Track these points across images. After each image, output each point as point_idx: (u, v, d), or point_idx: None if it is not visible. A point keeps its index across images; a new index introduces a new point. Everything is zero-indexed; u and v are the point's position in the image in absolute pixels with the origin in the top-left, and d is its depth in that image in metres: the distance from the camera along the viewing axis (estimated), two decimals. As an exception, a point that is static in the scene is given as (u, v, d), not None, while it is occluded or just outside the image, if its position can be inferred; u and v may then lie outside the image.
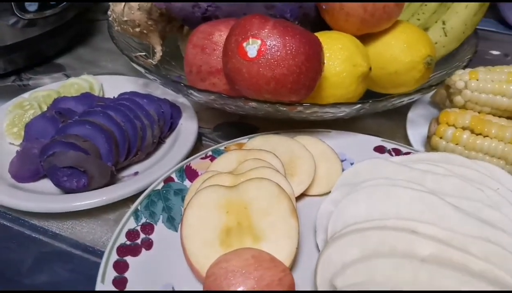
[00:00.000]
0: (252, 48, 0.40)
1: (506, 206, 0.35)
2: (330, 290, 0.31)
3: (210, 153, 0.45)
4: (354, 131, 0.48)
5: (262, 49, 0.40)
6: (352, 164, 0.45)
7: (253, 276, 0.31)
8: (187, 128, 0.50)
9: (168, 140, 0.49)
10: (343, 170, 0.43)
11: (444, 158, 0.40)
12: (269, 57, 0.39)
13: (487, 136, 0.43)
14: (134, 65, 0.50)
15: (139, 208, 0.39)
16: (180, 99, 0.53)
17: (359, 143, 0.47)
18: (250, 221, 0.36)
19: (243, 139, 0.47)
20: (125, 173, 0.46)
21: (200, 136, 0.52)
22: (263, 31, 0.40)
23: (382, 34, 0.49)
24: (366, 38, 0.49)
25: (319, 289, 0.32)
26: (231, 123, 0.55)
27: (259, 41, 0.40)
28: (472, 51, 0.52)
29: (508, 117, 0.45)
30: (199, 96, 0.46)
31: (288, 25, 0.41)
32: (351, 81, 0.45)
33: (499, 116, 0.45)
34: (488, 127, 0.43)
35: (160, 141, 0.49)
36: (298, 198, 0.41)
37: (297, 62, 0.40)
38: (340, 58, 0.45)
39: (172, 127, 0.50)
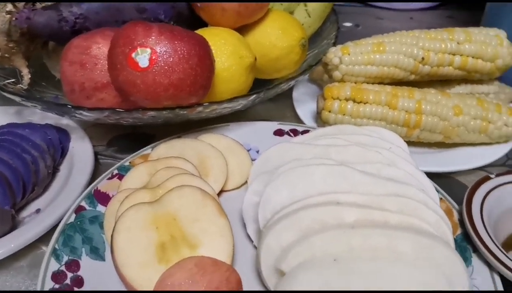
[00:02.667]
0: (142, 58, 0.39)
1: (400, 161, 0.40)
2: (276, 275, 0.33)
3: (116, 171, 0.43)
4: (249, 120, 0.50)
5: (154, 57, 0.39)
6: (257, 151, 0.47)
7: (202, 283, 0.31)
8: (81, 150, 0.47)
9: (63, 168, 0.46)
10: (252, 160, 0.45)
11: (338, 130, 0.44)
12: (162, 64, 0.39)
13: (367, 103, 0.48)
14: (6, 94, 0.45)
15: (57, 246, 0.36)
16: (64, 121, 0.50)
17: (258, 131, 0.49)
18: (182, 231, 0.35)
19: (146, 150, 0.45)
20: (25, 212, 0.42)
21: (95, 156, 0.49)
22: (150, 39, 0.39)
23: (257, 24, 0.51)
24: (243, 29, 0.51)
25: (265, 276, 0.33)
26: (124, 136, 0.53)
27: (148, 50, 0.39)
28: (335, 28, 0.57)
29: (379, 83, 0.51)
30: (90, 115, 0.43)
31: (173, 28, 0.41)
32: (241, 74, 0.47)
33: (372, 83, 0.51)
34: (366, 94, 0.48)
35: (55, 171, 0.45)
36: (217, 195, 0.42)
37: (192, 65, 0.40)
38: (226, 53, 0.46)
39: (63, 152, 0.46)
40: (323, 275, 0.30)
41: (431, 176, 0.45)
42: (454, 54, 0.50)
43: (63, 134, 0.47)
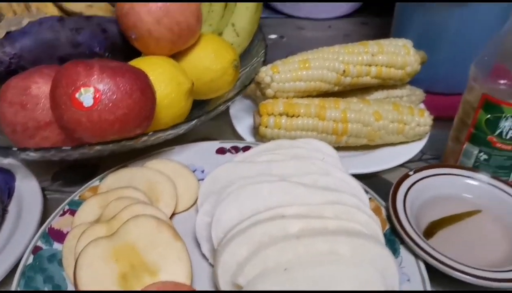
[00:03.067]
0: (86, 97, 0.40)
1: (333, 170, 0.44)
2: (234, 290, 0.36)
3: (67, 207, 0.44)
4: (191, 142, 0.53)
5: (97, 96, 0.40)
6: (202, 171, 0.50)
7: (167, 307, 0.34)
8: (27, 188, 0.47)
9: (12, 208, 0.46)
10: (198, 180, 0.48)
11: (276, 145, 0.48)
12: (106, 102, 0.41)
13: (299, 116, 0.53)
14: None
15: (19, 289, 0.36)
16: (6, 161, 0.50)
17: (201, 151, 0.52)
18: (141, 259, 0.38)
19: (94, 182, 0.47)
20: (-22, 259, 0.42)
21: (42, 191, 0.49)
22: (93, 78, 0.41)
23: (191, 49, 0.54)
24: (177, 55, 0.53)
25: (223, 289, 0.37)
26: (69, 168, 0.54)
27: (91, 89, 0.40)
28: (263, 45, 0.61)
29: (308, 96, 0.56)
30: (35, 156, 0.44)
31: (113, 65, 0.43)
32: (180, 99, 0.50)
33: (302, 97, 0.55)
34: (298, 109, 0.53)
35: (4, 212, 0.45)
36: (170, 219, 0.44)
37: (135, 99, 0.42)
38: (165, 81, 0.49)
39: (10, 193, 0.47)
40: (277, 284, 0.34)
41: (360, 177, 0.50)
42: (370, 65, 0.56)
43: (8, 175, 0.47)
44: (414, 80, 0.64)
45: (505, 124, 0.46)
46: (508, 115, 0.45)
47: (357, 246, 0.36)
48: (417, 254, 0.41)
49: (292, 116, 0.53)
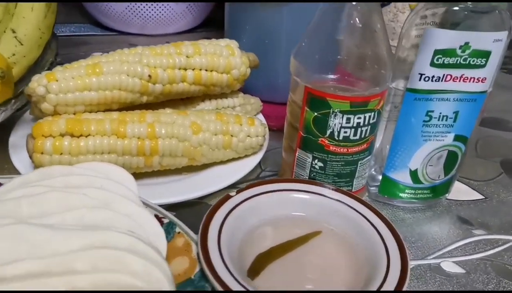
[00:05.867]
0: None
1: (115, 200, 0.32)
2: None
3: None
4: None
5: None
6: None
7: None
8: None
9: None
10: None
11: (41, 175, 0.34)
12: None
13: (89, 135, 0.40)
14: None
15: None
16: None
17: None
18: None
19: None
20: None
21: None
22: None
23: None
24: None
25: None
26: None
27: None
28: (53, 53, 0.48)
29: (106, 110, 0.43)
30: None
31: None
32: None
33: (97, 111, 0.43)
34: (87, 125, 0.40)
35: None
36: None
37: None
38: None
39: None
40: None
41: (180, 205, 0.40)
42: (185, 69, 0.46)
43: None
44: (252, 89, 0.55)
45: (335, 122, 0.37)
46: (336, 110, 0.37)
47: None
48: (232, 304, 0.29)
49: (80, 136, 0.40)
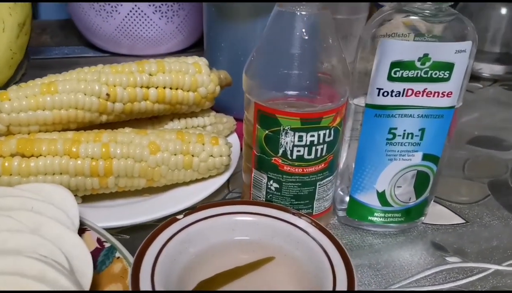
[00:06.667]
0: None
1: (44, 223, 0.31)
2: None
3: None
4: None
5: None
6: None
7: None
8: None
9: None
10: None
11: (-22, 196, 0.33)
12: None
13: (40, 155, 0.39)
14: None
15: None
16: None
17: None
18: None
19: None
20: None
21: None
22: None
23: None
24: None
25: None
26: None
27: None
28: (21, 74, 0.48)
29: (64, 130, 0.43)
30: None
31: None
32: None
33: (53, 131, 0.42)
34: (38, 146, 0.39)
35: None
36: None
37: None
38: None
39: None
40: None
41: (134, 228, 0.39)
42: (148, 87, 0.45)
43: None
44: (227, 108, 0.54)
45: (286, 140, 0.35)
46: (286, 127, 0.35)
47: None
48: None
49: (31, 156, 0.39)
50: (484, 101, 0.70)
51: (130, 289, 0.29)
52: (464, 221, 0.44)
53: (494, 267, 0.39)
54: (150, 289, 0.29)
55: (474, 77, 0.77)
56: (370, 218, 0.41)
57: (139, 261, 0.31)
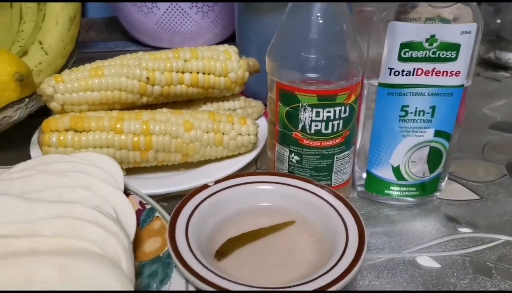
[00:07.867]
0: None
1: (94, 183, 0.36)
2: None
3: None
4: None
5: None
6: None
7: None
8: None
9: None
10: None
11: (39, 162, 0.39)
12: None
13: (90, 131, 0.44)
14: None
15: None
16: None
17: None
18: None
19: None
20: None
21: None
22: None
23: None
24: None
25: None
26: None
27: None
28: (72, 62, 0.54)
29: (110, 109, 0.48)
30: None
31: None
32: None
33: (100, 110, 0.47)
34: (88, 122, 0.44)
35: None
36: None
37: None
38: None
39: None
40: None
41: (172, 197, 0.44)
42: (183, 72, 0.50)
43: None
44: (257, 94, 0.58)
45: (305, 116, 0.39)
46: (305, 104, 0.38)
47: (66, 268, 0.27)
48: (187, 278, 0.32)
49: (82, 131, 0.44)
50: (510, 90, 0.71)
51: (168, 240, 0.34)
52: (478, 197, 0.46)
53: (504, 237, 0.41)
54: (184, 241, 0.34)
55: (502, 66, 0.77)
56: (386, 191, 0.44)
57: (175, 219, 0.36)
